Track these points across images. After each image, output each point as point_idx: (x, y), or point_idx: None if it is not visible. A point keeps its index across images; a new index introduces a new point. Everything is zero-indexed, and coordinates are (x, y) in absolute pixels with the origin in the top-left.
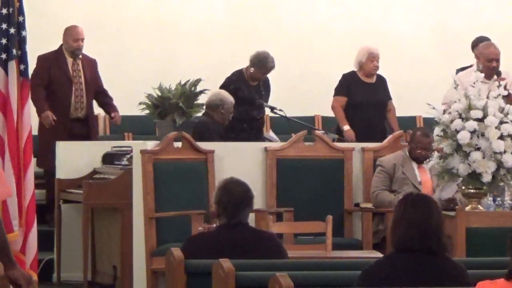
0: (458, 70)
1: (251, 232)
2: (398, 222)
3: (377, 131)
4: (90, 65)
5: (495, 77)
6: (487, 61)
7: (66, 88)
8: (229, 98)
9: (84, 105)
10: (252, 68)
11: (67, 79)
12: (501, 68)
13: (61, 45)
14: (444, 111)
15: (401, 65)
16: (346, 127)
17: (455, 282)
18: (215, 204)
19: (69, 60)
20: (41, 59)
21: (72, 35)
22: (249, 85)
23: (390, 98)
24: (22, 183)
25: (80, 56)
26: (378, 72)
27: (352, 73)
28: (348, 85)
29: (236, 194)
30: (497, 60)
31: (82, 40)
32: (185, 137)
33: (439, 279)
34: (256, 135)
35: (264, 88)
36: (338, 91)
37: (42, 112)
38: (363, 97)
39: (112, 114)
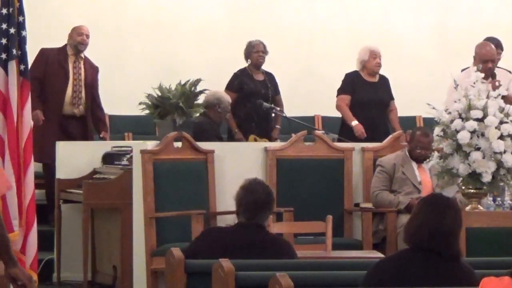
0: (463, 71)
1: (266, 235)
2: (412, 219)
3: (380, 131)
4: (91, 70)
5: (490, 79)
6: (482, 62)
7: (61, 84)
8: (226, 97)
9: (82, 102)
10: (248, 60)
11: (64, 74)
12: (502, 67)
13: (65, 44)
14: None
15: (401, 65)
16: (355, 122)
17: (462, 285)
18: (235, 202)
19: (71, 57)
20: (42, 51)
21: (77, 30)
22: (254, 79)
23: (392, 98)
24: (22, 183)
25: (83, 56)
26: (380, 71)
27: (355, 72)
28: (353, 84)
29: (257, 196)
30: (492, 61)
31: (87, 36)
32: (185, 137)
33: (446, 281)
34: (263, 135)
35: (270, 83)
36: (343, 89)
37: (32, 110)
38: (367, 96)
39: (101, 134)
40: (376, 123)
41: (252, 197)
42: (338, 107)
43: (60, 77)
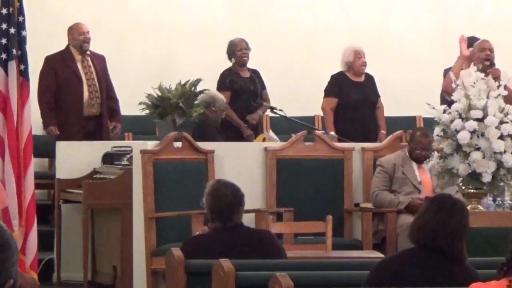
0: (446, 70)
1: (247, 232)
2: (419, 217)
3: (371, 131)
4: (99, 61)
5: (492, 81)
6: (481, 50)
7: (76, 87)
8: (220, 96)
9: (99, 101)
10: (232, 59)
11: (76, 78)
12: (501, 68)
13: (67, 45)
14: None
15: (401, 65)
16: (332, 133)
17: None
18: (206, 209)
19: (78, 58)
20: (47, 60)
21: (77, 29)
22: (242, 77)
23: (378, 96)
24: (22, 183)
25: (88, 52)
26: (368, 70)
27: (341, 73)
28: (339, 86)
29: (227, 198)
30: (490, 50)
31: (88, 33)
32: (185, 137)
33: (448, 281)
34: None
35: (257, 78)
36: (329, 91)
37: (47, 127)
38: (355, 97)
39: (113, 124)
40: (366, 123)
41: (222, 202)
42: (322, 109)
43: (73, 82)
